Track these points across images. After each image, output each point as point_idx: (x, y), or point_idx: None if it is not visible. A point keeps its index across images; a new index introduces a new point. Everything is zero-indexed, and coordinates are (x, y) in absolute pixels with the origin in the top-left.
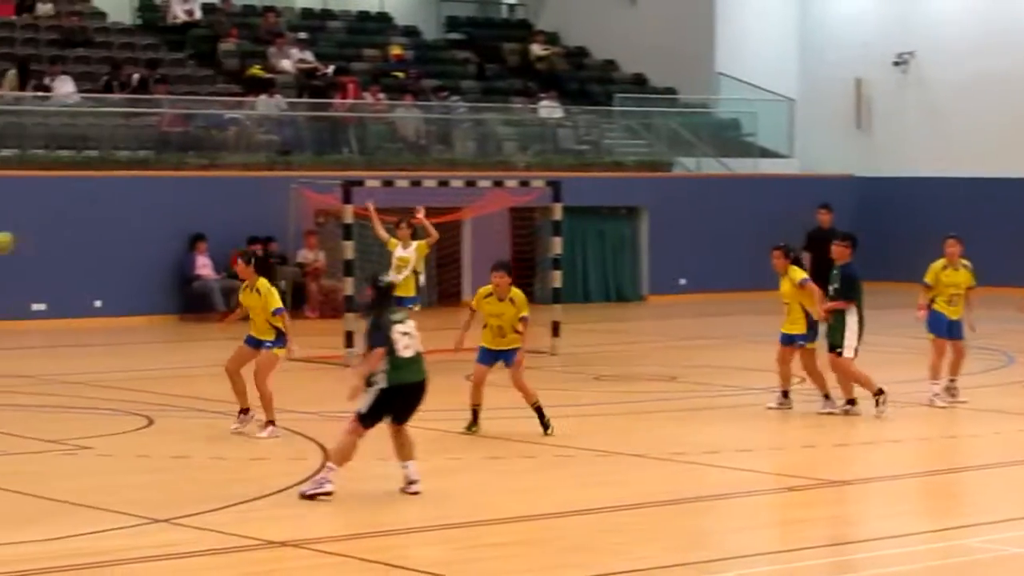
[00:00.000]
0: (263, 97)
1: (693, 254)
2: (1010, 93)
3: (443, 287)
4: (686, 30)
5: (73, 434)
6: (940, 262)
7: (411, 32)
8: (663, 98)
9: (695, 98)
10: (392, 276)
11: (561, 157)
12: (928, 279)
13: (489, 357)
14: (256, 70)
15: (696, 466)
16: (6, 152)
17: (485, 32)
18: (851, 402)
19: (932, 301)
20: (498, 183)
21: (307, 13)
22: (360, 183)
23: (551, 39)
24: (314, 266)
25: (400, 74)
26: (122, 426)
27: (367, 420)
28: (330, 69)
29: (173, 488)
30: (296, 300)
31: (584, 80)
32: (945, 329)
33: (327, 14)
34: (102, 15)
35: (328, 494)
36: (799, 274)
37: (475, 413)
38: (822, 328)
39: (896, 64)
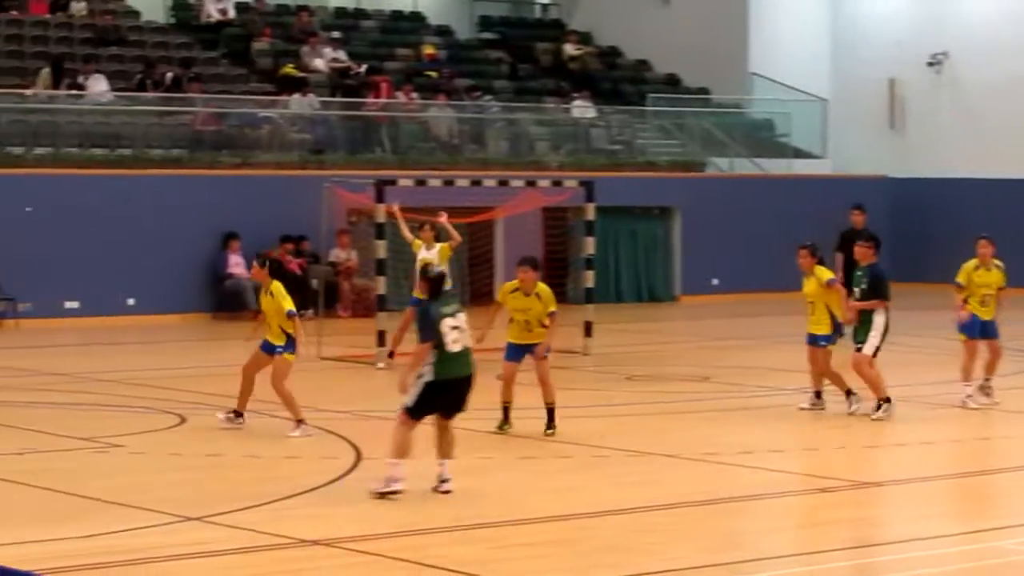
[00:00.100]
0: (296, 96)
1: (726, 254)
2: None
3: (475, 286)
4: (719, 30)
5: (106, 432)
6: (972, 262)
7: (444, 32)
8: (696, 98)
9: (728, 98)
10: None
11: (594, 157)
12: (960, 279)
13: (517, 353)
14: (289, 69)
15: (729, 467)
16: (40, 150)
17: (518, 32)
18: (886, 399)
19: (965, 301)
20: (531, 183)
21: (340, 12)
22: (393, 182)
23: (584, 39)
24: (346, 265)
25: (433, 74)
26: (154, 424)
27: (415, 413)
28: (363, 68)
29: (205, 486)
30: (328, 299)
31: (617, 80)
32: (978, 330)
33: (360, 13)
34: (136, 14)
35: (396, 492)
36: (826, 274)
37: (506, 411)
38: (847, 329)
39: (930, 64)
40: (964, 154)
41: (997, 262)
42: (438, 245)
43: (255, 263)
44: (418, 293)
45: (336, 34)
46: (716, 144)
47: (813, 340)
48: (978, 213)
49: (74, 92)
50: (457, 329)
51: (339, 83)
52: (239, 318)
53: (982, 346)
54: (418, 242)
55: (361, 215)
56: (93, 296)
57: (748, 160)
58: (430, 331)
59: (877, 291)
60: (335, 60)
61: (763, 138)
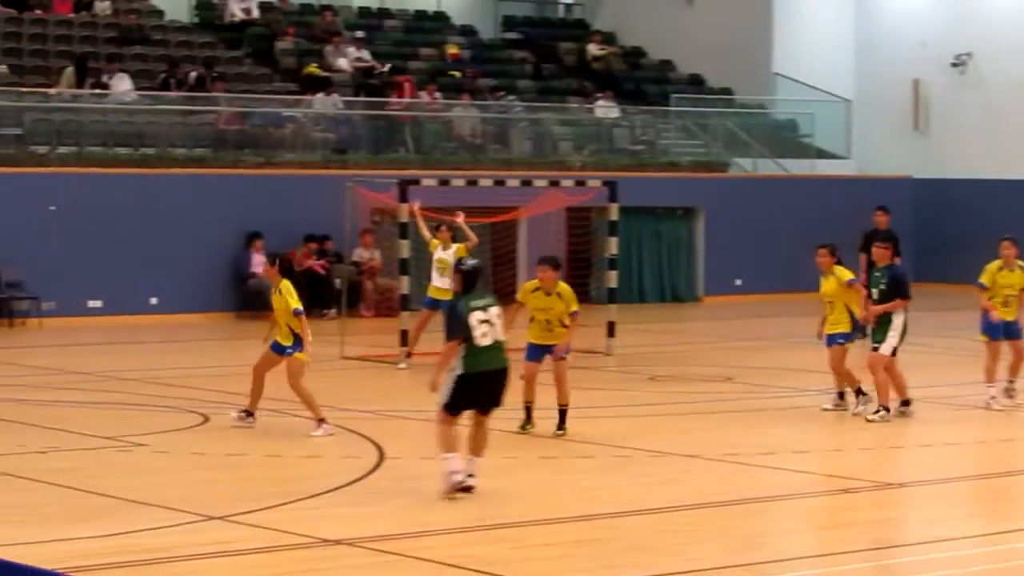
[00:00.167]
0: (320, 96)
1: (749, 255)
2: None
3: (498, 286)
4: (743, 30)
5: (129, 431)
6: (996, 263)
7: (468, 31)
8: (720, 98)
9: (752, 98)
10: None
11: (617, 157)
12: (984, 280)
13: (537, 352)
14: (313, 69)
15: (752, 467)
16: (64, 149)
17: (542, 32)
18: (905, 403)
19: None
20: (554, 183)
21: (364, 12)
22: (416, 182)
23: (608, 39)
24: (370, 265)
25: (457, 73)
26: (177, 423)
27: (451, 408)
28: (387, 68)
29: (228, 485)
30: (351, 299)
31: (640, 80)
32: (1001, 331)
33: (384, 13)
34: (160, 13)
35: (467, 486)
36: (847, 274)
37: (528, 410)
38: (868, 329)
39: (954, 65)
40: (988, 155)
41: (1021, 263)
42: (454, 246)
43: (266, 262)
44: (433, 292)
45: (360, 34)
46: (739, 144)
47: (832, 339)
48: (1001, 214)
49: (98, 91)
50: (486, 323)
51: (363, 83)
52: (262, 317)
53: (1005, 347)
54: (435, 241)
55: (384, 215)
56: (116, 295)
57: (771, 160)
58: (455, 328)
59: (897, 291)
60: (359, 60)
61: (786, 138)
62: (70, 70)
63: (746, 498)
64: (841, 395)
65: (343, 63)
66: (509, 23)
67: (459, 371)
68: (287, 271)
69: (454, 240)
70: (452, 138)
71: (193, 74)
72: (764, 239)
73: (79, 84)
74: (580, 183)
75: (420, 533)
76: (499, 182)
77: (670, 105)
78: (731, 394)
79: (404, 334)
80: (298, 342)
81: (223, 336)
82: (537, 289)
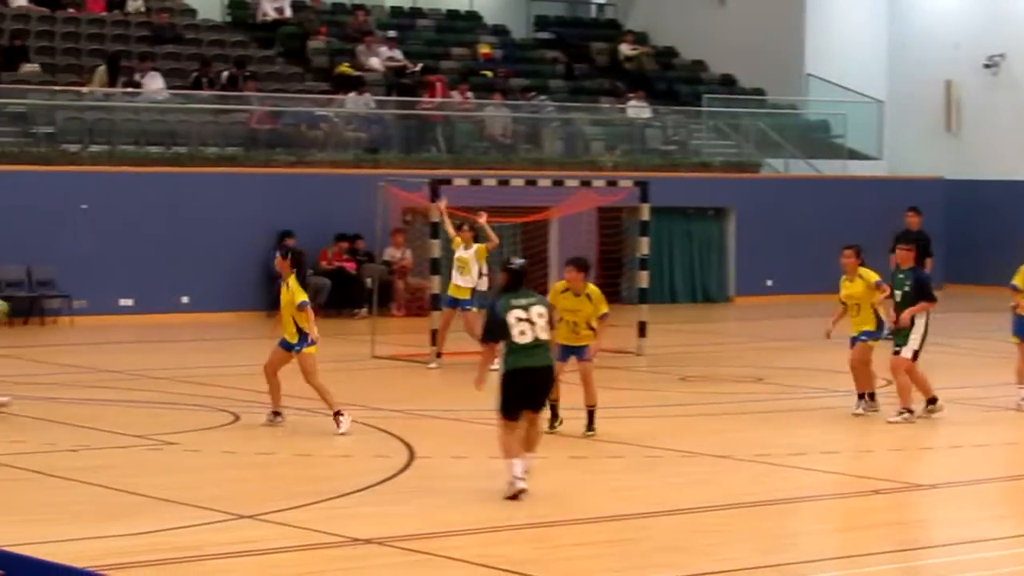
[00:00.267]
0: (352, 95)
1: (780, 255)
2: None
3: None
4: (775, 31)
5: (159, 430)
6: None
7: (500, 31)
8: (752, 99)
9: (784, 99)
10: (456, 278)
11: (649, 157)
12: (1016, 282)
13: (563, 353)
14: (345, 68)
15: (782, 468)
16: (96, 148)
17: (574, 31)
18: (932, 401)
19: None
20: (585, 183)
21: (396, 11)
22: (448, 181)
23: (640, 39)
24: (401, 264)
25: (488, 73)
26: (208, 422)
27: (505, 410)
28: (418, 67)
29: (258, 484)
30: (382, 298)
31: (672, 80)
32: None
33: (416, 12)
34: (192, 12)
35: (521, 491)
36: (873, 275)
37: (554, 409)
38: (887, 330)
39: (986, 66)
40: (1020, 156)
41: None
42: (475, 245)
43: (278, 254)
44: (452, 291)
45: (392, 33)
46: (771, 145)
47: (856, 337)
48: None
49: (130, 90)
50: (526, 321)
51: (394, 82)
52: None
53: None
54: (458, 240)
55: (416, 214)
56: (147, 294)
57: (803, 161)
58: (489, 329)
59: (921, 293)
60: (391, 59)
61: (818, 139)
62: (102, 69)
63: (776, 499)
64: (871, 396)
65: (375, 62)
66: (541, 23)
67: (501, 369)
68: (297, 264)
69: (476, 240)
70: (484, 138)
71: (225, 73)
72: (795, 240)
73: (111, 83)
74: (611, 183)
75: (450, 532)
76: (530, 182)
77: (702, 105)
78: (762, 395)
79: (435, 334)
80: (304, 337)
81: (254, 335)
82: (567, 290)
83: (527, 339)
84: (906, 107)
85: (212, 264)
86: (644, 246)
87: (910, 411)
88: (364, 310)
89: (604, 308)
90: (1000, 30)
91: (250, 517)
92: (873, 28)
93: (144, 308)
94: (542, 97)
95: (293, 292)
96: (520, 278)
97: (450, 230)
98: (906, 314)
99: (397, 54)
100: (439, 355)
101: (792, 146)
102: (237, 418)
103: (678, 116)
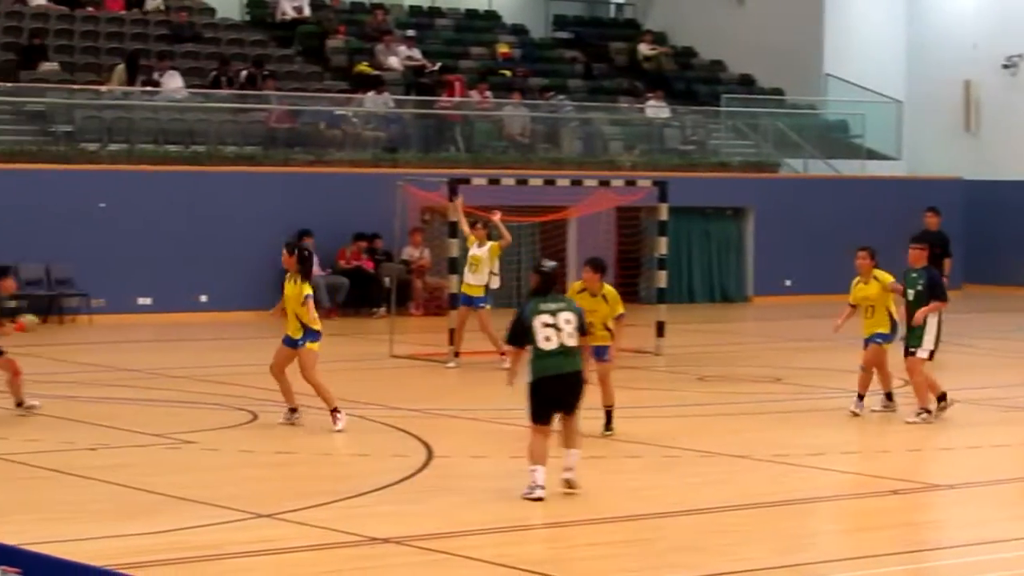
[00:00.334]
0: (370, 94)
1: (799, 256)
2: None
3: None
4: (794, 31)
5: (178, 428)
6: None
7: (519, 30)
8: (770, 99)
9: (802, 99)
10: (468, 276)
11: (667, 157)
12: None
13: None
14: (364, 67)
15: (800, 468)
16: (115, 147)
17: (593, 31)
18: (942, 397)
19: None
20: (604, 183)
21: (415, 11)
22: (466, 181)
23: (659, 39)
24: (419, 263)
25: (507, 73)
26: (226, 421)
27: (535, 417)
28: (437, 67)
29: (276, 483)
30: (401, 297)
31: (691, 80)
32: None
33: (435, 12)
34: (211, 11)
35: (538, 499)
36: (888, 277)
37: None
38: (901, 330)
39: (1005, 67)
40: None
41: None
42: (489, 243)
43: (284, 250)
44: (465, 289)
45: (411, 32)
46: (790, 145)
47: (871, 339)
48: None
49: (149, 89)
50: (552, 327)
51: (413, 81)
52: None
53: None
54: (472, 238)
55: (434, 213)
56: (166, 292)
57: (822, 161)
58: (516, 333)
59: (934, 293)
60: (409, 58)
61: (837, 139)
62: (121, 67)
63: (794, 499)
64: (889, 396)
65: (394, 62)
66: (560, 22)
67: (528, 378)
68: (303, 260)
69: (490, 238)
70: (502, 137)
71: (244, 72)
72: (814, 240)
73: (130, 81)
74: (630, 183)
75: (467, 532)
76: (549, 182)
77: (721, 105)
78: (780, 395)
79: (453, 333)
80: (308, 333)
81: (272, 334)
82: (583, 290)
83: (552, 345)
84: (925, 107)
85: (230, 263)
86: (662, 246)
87: (928, 411)
88: (382, 309)
89: (620, 309)
90: (1019, 30)
91: (268, 516)
92: (892, 28)
93: (162, 307)
94: (561, 97)
95: (300, 287)
96: (552, 281)
97: (465, 228)
98: (919, 314)
99: (416, 53)
100: (457, 354)
101: (811, 146)
102: (255, 417)
103: (697, 116)
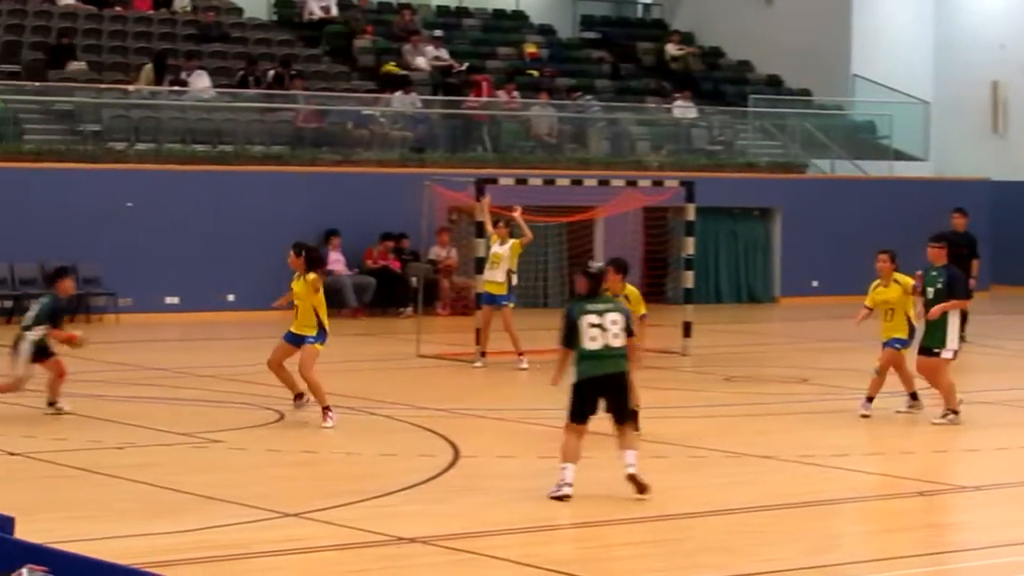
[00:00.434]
0: (398, 94)
1: (826, 256)
2: None
3: (574, 286)
4: (822, 31)
5: (205, 427)
6: None
7: (546, 31)
8: (798, 99)
9: (830, 100)
10: (488, 273)
11: (694, 157)
12: None
13: None
14: (391, 67)
15: (827, 469)
16: (142, 146)
17: (620, 31)
18: (913, 396)
19: None
20: (631, 183)
21: (442, 11)
22: (493, 181)
23: (686, 39)
24: (446, 263)
25: (534, 73)
26: (253, 420)
27: (572, 415)
28: (464, 67)
29: (303, 482)
30: (427, 297)
31: (719, 80)
32: None
33: (463, 12)
34: (238, 11)
35: (564, 497)
36: (909, 280)
37: None
38: (918, 333)
39: None
40: None
41: None
42: (511, 241)
43: (292, 251)
44: (487, 287)
45: (438, 32)
46: (817, 146)
47: (889, 343)
48: None
49: (176, 88)
50: (598, 327)
51: (440, 81)
52: (338, 315)
53: None
54: (495, 236)
55: (461, 213)
56: (193, 292)
57: (849, 162)
58: (566, 334)
59: (954, 291)
60: (437, 58)
61: (864, 140)
62: (149, 67)
63: (820, 500)
64: (913, 395)
65: (421, 62)
66: (587, 23)
67: (572, 379)
68: (311, 261)
69: (511, 236)
70: (529, 137)
71: (271, 72)
72: (841, 240)
73: (158, 81)
74: (657, 183)
75: (494, 532)
76: (576, 182)
77: (748, 106)
78: (807, 395)
79: (479, 332)
80: (321, 333)
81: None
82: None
83: (596, 345)
84: (952, 108)
85: (257, 263)
86: (689, 246)
87: (955, 412)
88: (409, 309)
89: (642, 309)
90: None
91: (295, 515)
92: (919, 29)
93: (190, 306)
94: (588, 97)
95: (310, 282)
96: (599, 282)
97: (489, 227)
98: (936, 309)
99: (443, 53)
100: (484, 354)
101: (838, 147)
102: (282, 416)
103: (724, 116)
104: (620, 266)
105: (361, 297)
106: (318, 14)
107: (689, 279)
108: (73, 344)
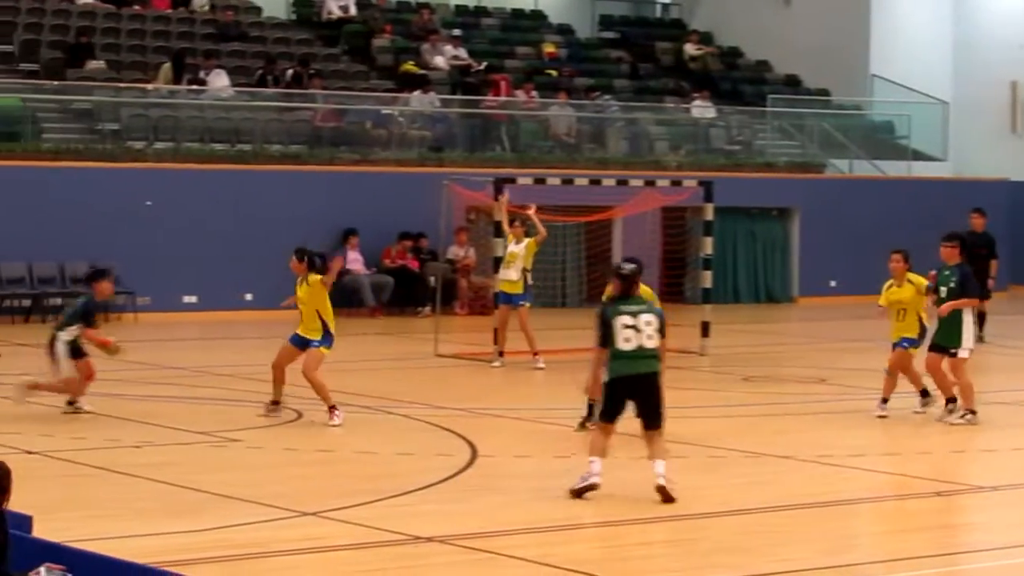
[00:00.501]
0: (416, 93)
1: (844, 256)
2: None
3: (592, 286)
4: (840, 31)
5: (223, 426)
6: None
7: (565, 30)
8: (816, 99)
9: (848, 100)
10: (503, 273)
11: (713, 157)
12: None
13: None
14: (409, 66)
15: (844, 469)
16: (161, 145)
17: (639, 31)
18: (924, 393)
19: None
20: (650, 182)
21: (461, 10)
22: (512, 180)
23: (705, 39)
24: (464, 262)
25: (553, 72)
26: (270, 419)
27: (603, 415)
28: (483, 66)
29: (320, 481)
30: (446, 296)
31: (737, 80)
32: None
33: (481, 11)
34: (257, 10)
35: (592, 487)
36: (922, 280)
37: (591, 408)
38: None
39: None
40: None
41: None
42: (526, 240)
43: (294, 256)
44: (502, 286)
45: (457, 32)
46: (835, 146)
47: (899, 343)
48: None
49: (195, 87)
50: (632, 328)
51: (459, 81)
52: (357, 314)
53: None
54: (510, 235)
55: (479, 213)
56: (211, 291)
57: (867, 162)
58: (601, 333)
59: (966, 290)
60: (455, 58)
61: (883, 140)
62: (167, 66)
63: (838, 500)
64: (924, 392)
65: (440, 61)
66: (606, 22)
67: (605, 378)
68: (313, 266)
69: (527, 235)
70: (548, 137)
71: (290, 71)
72: (859, 241)
73: (176, 80)
74: (676, 183)
75: (511, 531)
76: (595, 181)
77: (766, 106)
78: (825, 395)
79: (497, 332)
80: (327, 337)
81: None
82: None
83: (631, 346)
84: (971, 108)
85: (275, 262)
86: (708, 246)
87: (973, 412)
88: (427, 308)
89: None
90: None
91: (312, 514)
92: (938, 29)
93: (208, 305)
94: (606, 96)
95: (314, 284)
96: (632, 283)
97: (505, 225)
98: (946, 306)
99: (462, 53)
100: (502, 353)
101: (856, 147)
102: (300, 415)
103: (742, 116)
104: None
105: (379, 296)
106: (337, 13)
107: (707, 279)
108: (108, 350)
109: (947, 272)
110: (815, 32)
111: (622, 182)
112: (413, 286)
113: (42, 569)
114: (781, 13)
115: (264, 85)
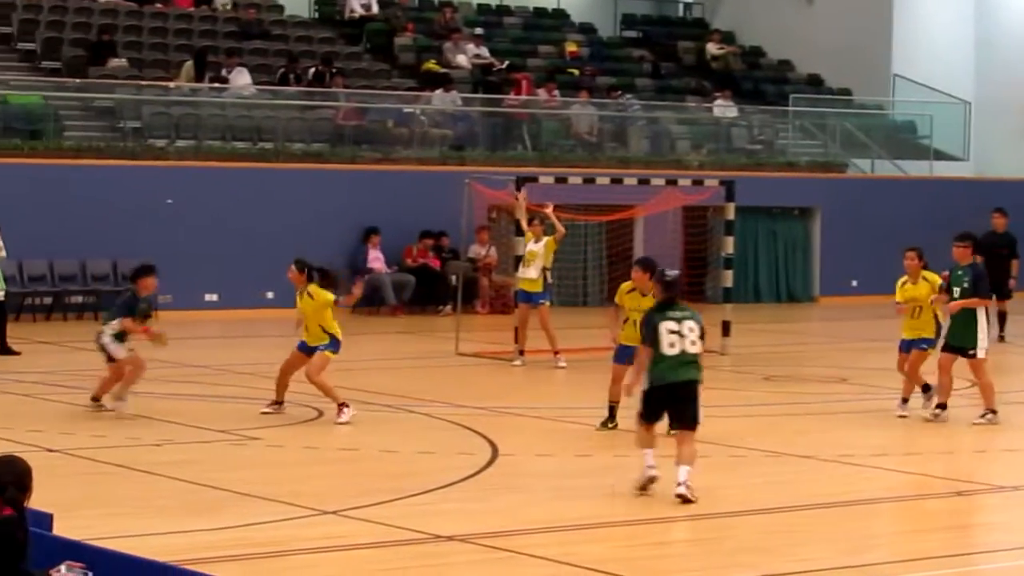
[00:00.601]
0: (438, 92)
1: (865, 256)
2: None
3: (613, 285)
4: (862, 31)
5: (243, 425)
6: None
7: (587, 29)
8: (838, 99)
9: (870, 99)
10: (521, 271)
11: (734, 156)
12: None
13: (627, 354)
14: (431, 65)
15: (865, 468)
16: (182, 143)
17: (661, 30)
18: (926, 388)
19: None
20: (671, 182)
21: (483, 9)
22: (534, 179)
23: (727, 38)
24: (485, 261)
25: (575, 71)
26: (291, 418)
27: (643, 416)
28: (505, 65)
29: (341, 480)
30: (467, 295)
31: (759, 80)
32: None
33: (503, 10)
34: (279, 8)
35: (652, 480)
36: (937, 278)
37: (612, 409)
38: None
39: None
40: None
41: None
42: (545, 238)
43: (294, 266)
44: (522, 285)
45: (479, 30)
46: (857, 145)
47: (915, 344)
48: None
49: (217, 85)
50: (676, 334)
51: (481, 80)
52: (378, 313)
53: None
54: (529, 233)
55: (501, 212)
56: (232, 289)
57: (889, 162)
58: (648, 334)
59: (979, 289)
60: (477, 56)
61: (905, 140)
62: (189, 64)
63: (859, 499)
64: (926, 387)
65: (462, 60)
66: (628, 21)
67: (646, 384)
68: (311, 276)
69: (545, 234)
70: (570, 136)
71: (312, 69)
72: (881, 240)
73: (198, 78)
74: (697, 182)
75: (532, 530)
76: (616, 180)
77: (788, 105)
78: (846, 395)
79: (518, 331)
80: (333, 342)
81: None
82: (632, 290)
83: (674, 351)
84: (993, 108)
85: None
86: (729, 245)
87: (994, 412)
88: (448, 307)
89: None
90: None
91: (333, 513)
92: (960, 28)
93: (229, 303)
94: (628, 96)
95: (318, 296)
96: (675, 290)
97: (524, 224)
98: (955, 304)
99: (484, 51)
100: (522, 352)
101: (878, 146)
102: (320, 414)
103: (764, 116)
104: (647, 265)
105: (400, 295)
106: (359, 12)
107: (728, 278)
108: (152, 339)
109: (960, 272)
110: (837, 32)
111: (643, 181)
112: (434, 285)
113: (62, 567)
114: (803, 12)
115: (286, 83)
